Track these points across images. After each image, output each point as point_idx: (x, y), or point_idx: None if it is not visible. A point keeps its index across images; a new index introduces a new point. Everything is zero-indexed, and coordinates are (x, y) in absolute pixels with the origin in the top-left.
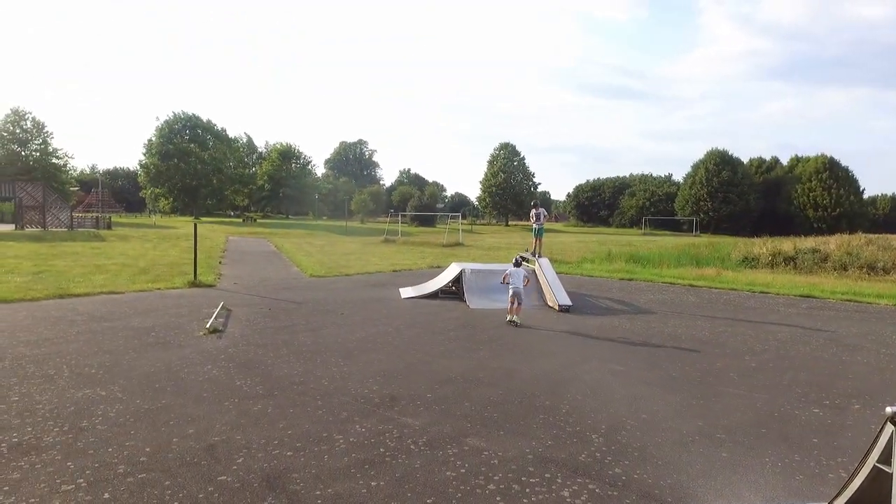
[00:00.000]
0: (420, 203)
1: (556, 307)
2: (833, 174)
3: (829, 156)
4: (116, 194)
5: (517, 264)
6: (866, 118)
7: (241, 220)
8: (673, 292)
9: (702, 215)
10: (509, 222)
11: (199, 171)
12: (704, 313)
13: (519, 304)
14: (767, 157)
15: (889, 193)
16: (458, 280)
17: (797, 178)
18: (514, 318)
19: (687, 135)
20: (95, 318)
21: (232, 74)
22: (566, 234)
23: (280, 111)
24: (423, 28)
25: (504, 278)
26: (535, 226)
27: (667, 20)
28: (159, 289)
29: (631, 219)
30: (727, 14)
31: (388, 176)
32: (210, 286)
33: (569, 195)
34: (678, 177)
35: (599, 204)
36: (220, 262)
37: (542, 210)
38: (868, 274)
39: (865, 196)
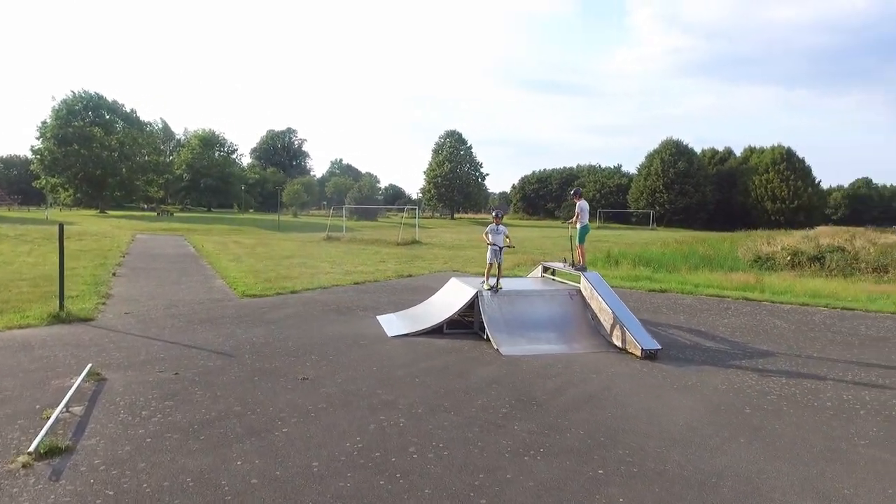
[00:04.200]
0: (360, 195)
1: (637, 352)
2: (790, 165)
3: (786, 146)
4: (12, 185)
5: (497, 216)
6: (778, 116)
7: (155, 213)
8: (738, 311)
9: (658, 207)
10: (455, 215)
11: (104, 159)
12: (841, 352)
13: (500, 263)
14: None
15: (845, 185)
16: (470, 306)
17: (753, 169)
18: (497, 282)
19: (618, 129)
20: None
21: (143, 52)
22: (519, 228)
23: (201, 96)
24: (356, 15)
25: (486, 236)
26: (577, 226)
27: (598, 17)
28: None
29: (567, 214)
30: (653, 13)
31: (318, 166)
32: (85, 320)
33: (514, 187)
34: (628, 168)
35: (546, 196)
36: (113, 275)
37: (583, 202)
38: None
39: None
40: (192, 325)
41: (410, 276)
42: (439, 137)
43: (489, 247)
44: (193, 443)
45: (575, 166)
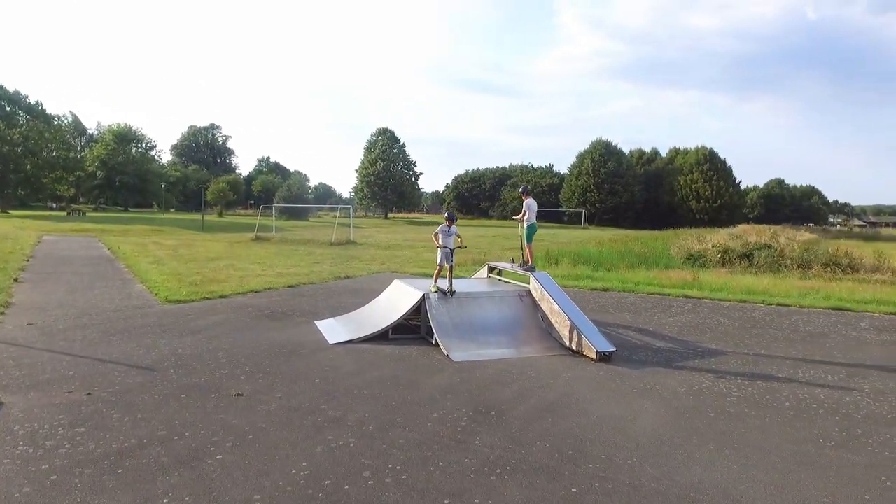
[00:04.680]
0: (289, 194)
1: (592, 354)
2: (713, 166)
3: (708, 148)
4: None
5: (450, 218)
6: (698, 119)
7: (65, 213)
8: (681, 309)
9: (589, 206)
10: (389, 215)
11: (4, 154)
12: (786, 349)
13: (451, 265)
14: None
15: (760, 185)
16: (417, 309)
17: (678, 169)
18: (449, 285)
19: (549, 129)
20: None
21: (50, 39)
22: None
23: (116, 89)
24: (281, 8)
25: (436, 238)
26: (524, 224)
27: (526, 18)
28: None
29: (513, 210)
30: (580, 15)
31: (244, 164)
32: None
33: (448, 186)
34: (560, 168)
35: (480, 195)
36: (15, 280)
37: (531, 200)
38: (833, 272)
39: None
40: (107, 336)
41: (348, 277)
42: (371, 135)
43: (439, 249)
44: (109, 478)
45: (508, 166)
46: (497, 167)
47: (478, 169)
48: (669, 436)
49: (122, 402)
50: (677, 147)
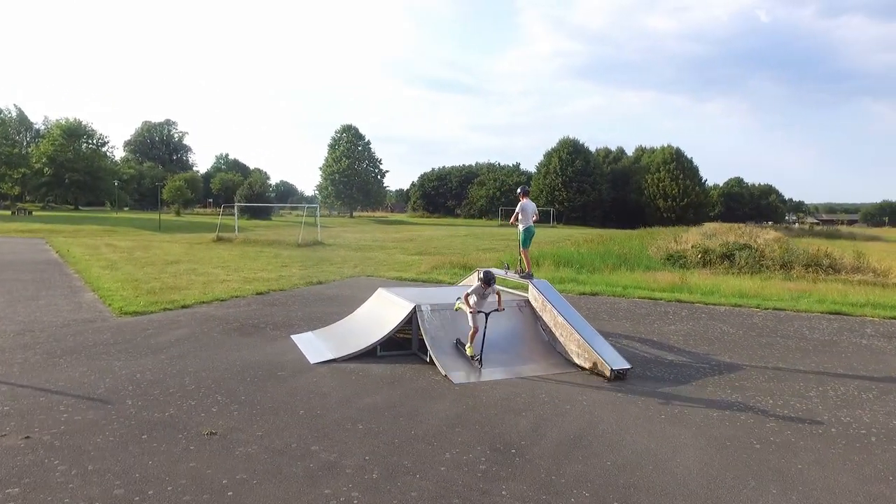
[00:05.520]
0: (251, 192)
1: (606, 372)
2: (680, 165)
3: (675, 147)
4: None
5: (488, 281)
6: (658, 119)
7: (9, 212)
8: (678, 315)
9: (557, 205)
10: (354, 213)
11: None
12: (803, 361)
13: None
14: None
15: (720, 184)
16: (407, 322)
17: (645, 168)
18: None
19: (515, 128)
20: None
21: None
22: (424, 227)
23: (64, 83)
24: (244, 5)
25: (467, 300)
26: (519, 227)
27: (488, 17)
28: None
29: (481, 209)
30: (542, 15)
31: (202, 161)
32: None
33: (413, 184)
34: (527, 166)
35: (447, 193)
36: None
37: (527, 202)
38: (815, 273)
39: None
40: (52, 358)
41: (321, 283)
42: (335, 132)
43: (471, 314)
44: None
45: (474, 164)
46: (464, 165)
47: (444, 167)
48: (721, 476)
49: (70, 447)
50: (643, 146)
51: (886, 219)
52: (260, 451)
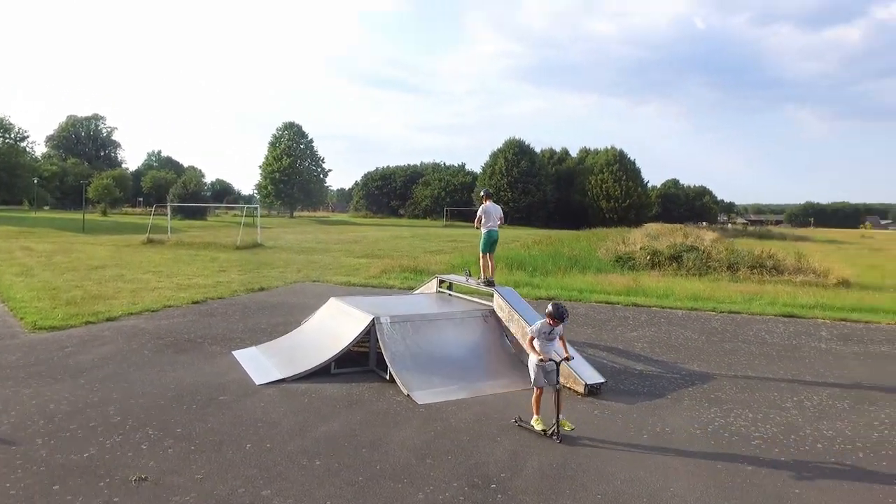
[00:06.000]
0: (184, 191)
1: (579, 388)
2: (623, 166)
3: (618, 148)
4: None
5: (560, 316)
6: (599, 121)
7: None
8: (637, 321)
9: (502, 206)
10: (294, 213)
11: None
12: (770, 367)
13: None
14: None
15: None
16: (364, 335)
17: (589, 169)
18: (564, 422)
19: (459, 128)
20: None
21: None
22: (368, 227)
23: None
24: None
25: (532, 346)
26: (482, 230)
27: (433, 17)
28: None
29: (426, 209)
30: (486, 16)
31: (132, 159)
32: None
33: (357, 184)
34: (472, 167)
35: (391, 193)
36: None
37: (489, 204)
38: (760, 274)
39: None
40: None
41: (263, 289)
42: (277, 129)
43: (539, 364)
44: None
45: (419, 163)
46: (408, 165)
47: (388, 166)
48: None
49: None
50: (588, 147)
51: (812, 219)
52: (200, 499)
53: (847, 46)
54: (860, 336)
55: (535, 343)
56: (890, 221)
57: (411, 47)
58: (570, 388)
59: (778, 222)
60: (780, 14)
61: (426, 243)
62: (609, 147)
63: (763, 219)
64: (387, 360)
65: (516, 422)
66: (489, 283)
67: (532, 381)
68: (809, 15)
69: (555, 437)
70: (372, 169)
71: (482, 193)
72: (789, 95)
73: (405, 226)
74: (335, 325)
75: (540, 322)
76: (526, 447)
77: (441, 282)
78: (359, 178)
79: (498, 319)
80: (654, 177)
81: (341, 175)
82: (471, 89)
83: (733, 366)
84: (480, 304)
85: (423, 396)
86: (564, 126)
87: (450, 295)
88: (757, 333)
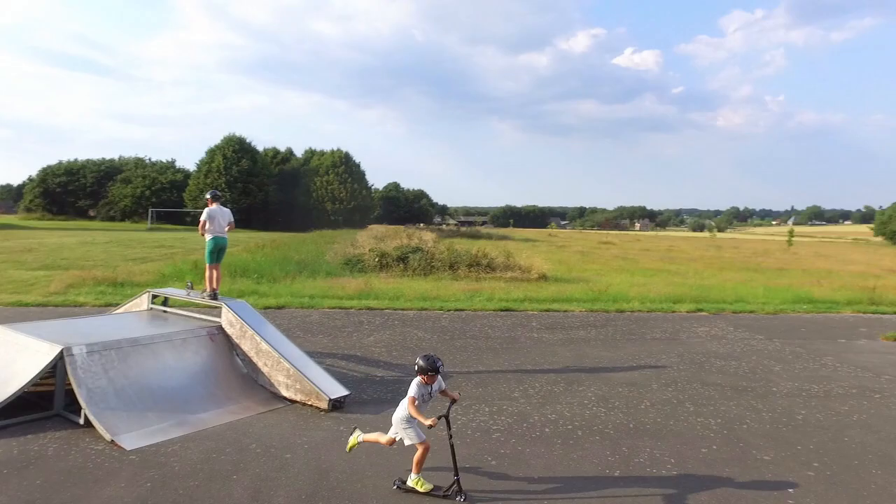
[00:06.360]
0: None
1: (323, 403)
2: (348, 168)
3: (344, 151)
4: None
5: (435, 368)
6: (320, 121)
7: None
8: (372, 324)
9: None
10: None
11: None
12: (502, 360)
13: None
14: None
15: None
16: (50, 372)
17: (314, 170)
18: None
19: (167, 121)
20: None
21: None
22: (47, 232)
23: None
24: None
25: (415, 409)
26: (207, 237)
27: None
28: None
29: (125, 210)
30: (201, 1)
31: None
32: None
33: (31, 179)
34: (185, 164)
35: (79, 191)
36: None
37: (214, 207)
38: (476, 272)
39: None
40: None
41: None
42: None
43: (430, 425)
44: None
45: (118, 158)
46: (103, 159)
47: (76, 160)
48: None
49: None
50: (313, 148)
51: (511, 221)
52: None
53: (538, 70)
54: (562, 324)
55: (414, 401)
56: (567, 222)
57: (106, 23)
58: (312, 405)
59: (484, 223)
60: (485, 37)
61: (127, 250)
62: (335, 149)
63: (472, 220)
64: (80, 399)
65: (396, 486)
66: (215, 297)
67: (415, 437)
68: (510, 40)
69: (460, 498)
70: (54, 163)
71: (208, 195)
72: (493, 109)
73: (98, 229)
74: (2, 364)
75: (415, 384)
76: (269, 481)
77: (154, 297)
78: (34, 173)
79: (227, 337)
80: (377, 179)
81: (8, 169)
82: (181, 78)
83: (466, 362)
84: (205, 320)
85: (132, 440)
86: (288, 125)
87: (165, 312)
88: (481, 329)
